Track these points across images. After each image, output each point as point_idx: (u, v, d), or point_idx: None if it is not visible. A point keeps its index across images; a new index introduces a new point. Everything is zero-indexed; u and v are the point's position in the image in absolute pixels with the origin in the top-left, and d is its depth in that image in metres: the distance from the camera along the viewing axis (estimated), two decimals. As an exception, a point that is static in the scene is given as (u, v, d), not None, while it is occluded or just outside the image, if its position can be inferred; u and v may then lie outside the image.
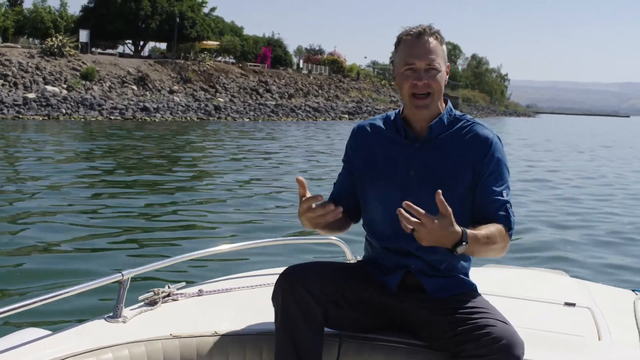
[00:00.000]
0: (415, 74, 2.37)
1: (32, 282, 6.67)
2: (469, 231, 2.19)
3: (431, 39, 2.38)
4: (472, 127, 2.44)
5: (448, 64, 2.48)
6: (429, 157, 2.42)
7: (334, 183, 2.67)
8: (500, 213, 2.36)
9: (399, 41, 2.44)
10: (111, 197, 12.63)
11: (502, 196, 2.37)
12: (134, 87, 46.73)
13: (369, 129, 2.57)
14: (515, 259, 7.75)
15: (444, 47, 2.44)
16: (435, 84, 2.38)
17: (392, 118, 2.54)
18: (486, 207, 2.37)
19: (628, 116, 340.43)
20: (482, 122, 2.48)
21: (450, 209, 2.12)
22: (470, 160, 2.39)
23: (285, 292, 2.33)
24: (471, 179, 2.39)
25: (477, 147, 2.39)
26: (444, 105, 2.49)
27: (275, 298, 2.37)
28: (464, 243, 2.16)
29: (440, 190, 2.12)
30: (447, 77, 2.45)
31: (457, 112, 2.50)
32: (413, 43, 2.39)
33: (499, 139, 2.44)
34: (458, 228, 2.15)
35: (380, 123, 2.56)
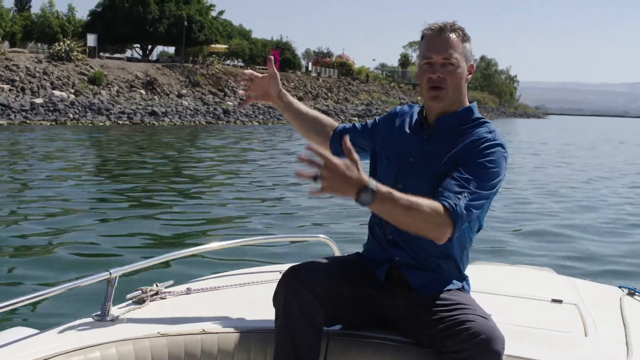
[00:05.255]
0: (432, 68, 2.39)
1: (20, 281, 6.68)
2: (381, 185, 2.07)
3: (452, 35, 2.40)
4: (477, 129, 2.42)
5: (472, 63, 2.47)
6: (431, 149, 2.43)
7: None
8: (448, 192, 2.25)
9: (422, 36, 2.46)
10: (100, 196, 12.80)
11: (467, 184, 2.26)
12: (142, 92, 46.60)
13: (403, 113, 2.62)
14: (504, 257, 8.05)
15: (467, 44, 2.44)
16: (451, 79, 2.38)
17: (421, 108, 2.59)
18: (440, 188, 2.28)
19: (638, 117, 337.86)
20: (491, 127, 2.43)
21: (357, 157, 2.01)
22: (461, 159, 2.36)
23: (287, 293, 2.34)
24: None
25: (471, 147, 2.37)
26: (466, 104, 2.48)
27: (277, 298, 2.38)
28: (369, 190, 2.03)
29: (347, 141, 2.02)
30: (470, 76, 2.46)
31: (478, 115, 2.48)
32: (433, 37, 2.41)
33: (504, 148, 2.38)
34: (365, 176, 2.04)
35: (415, 111, 2.60)
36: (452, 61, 2.38)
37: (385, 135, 2.60)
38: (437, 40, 2.40)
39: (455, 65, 2.38)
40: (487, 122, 2.46)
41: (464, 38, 2.43)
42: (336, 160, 1.98)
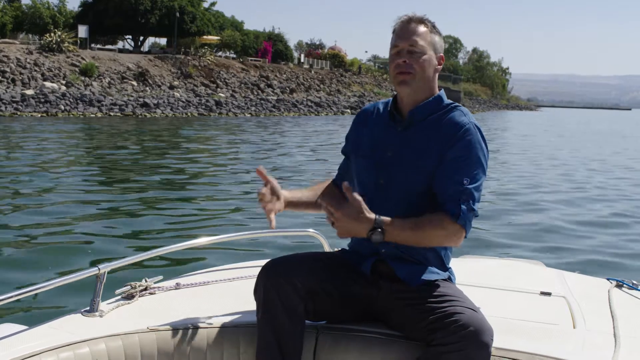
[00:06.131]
0: (399, 55, 2.44)
1: (8, 276, 6.61)
2: (385, 218, 2.24)
3: (420, 26, 2.45)
4: (450, 114, 2.45)
5: (441, 54, 2.51)
6: (408, 140, 2.46)
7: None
8: (448, 201, 2.33)
9: (393, 31, 2.52)
10: (87, 190, 12.70)
11: (461, 184, 2.33)
12: (134, 83, 46.42)
13: (369, 111, 2.66)
14: (493, 250, 8.09)
15: (435, 36, 2.48)
16: (417, 65, 2.42)
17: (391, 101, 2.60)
18: (438, 193, 2.37)
19: (629, 109, 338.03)
20: (464, 110, 2.48)
21: (359, 198, 2.21)
22: (441, 146, 2.39)
23: (267, 286, 2.36)
24: (438, 164, 2.39)
25: (449, 132, 2.40)
26: (436, 93, 2.51)
27: (257, 291, 2.40)
28: (378, 230, 2.22)
29: (346, 182, 2.27)
30: (439, 67, 2.49)
31: (448, 101, 2.52)
32: (400, 28, 2.47)
33: (478, 128, 2.42)
34: (370, 215, 2.22)
35: (381, 106, 2.63)
36: (417, 48, 2.42)
37: (355, 138, 2.63)
38: (404, 29, 2.46)
39: (420, 52, 2.43)
40: (459, 105, 2.50)
41: (433, 30, 2.48)
42: (340, 210, 2.23)
